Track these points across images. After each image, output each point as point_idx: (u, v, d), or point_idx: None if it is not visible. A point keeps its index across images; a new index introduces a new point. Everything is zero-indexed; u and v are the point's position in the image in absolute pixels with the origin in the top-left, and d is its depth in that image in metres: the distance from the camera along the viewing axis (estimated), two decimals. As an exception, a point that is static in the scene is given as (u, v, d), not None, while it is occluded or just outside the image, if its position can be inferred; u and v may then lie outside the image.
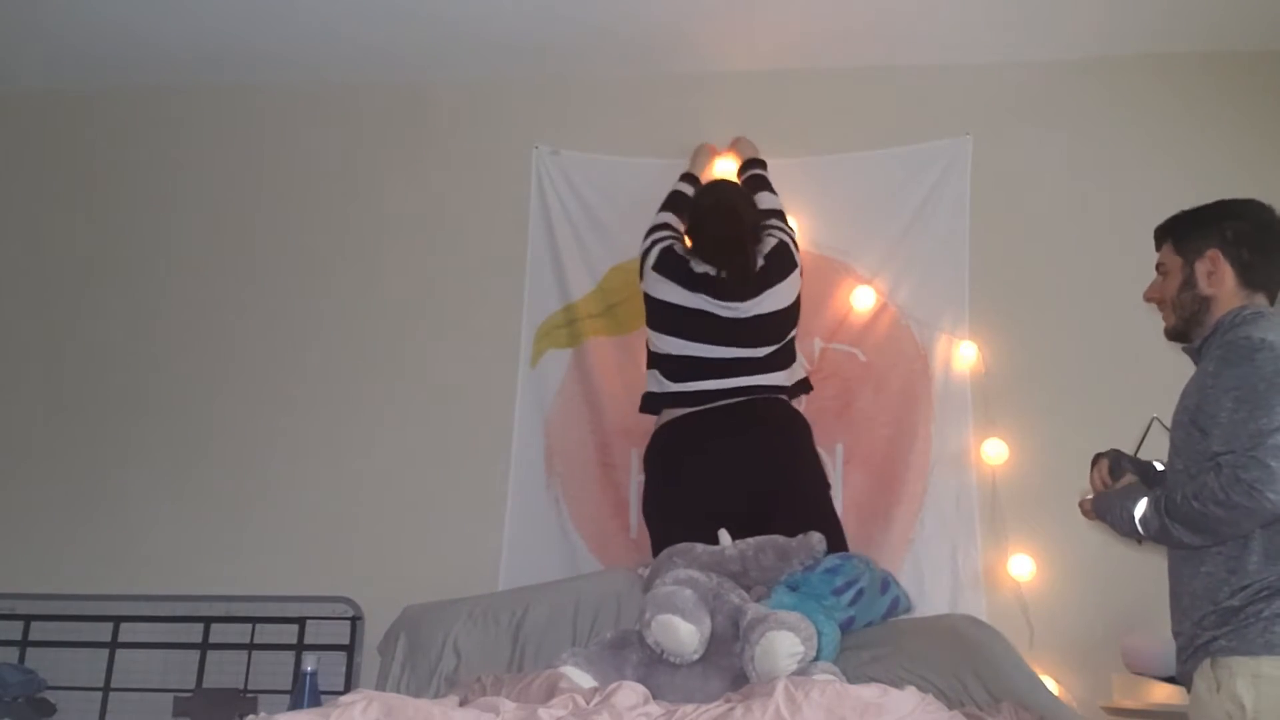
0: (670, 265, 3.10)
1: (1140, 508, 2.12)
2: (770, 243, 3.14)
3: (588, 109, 3.81)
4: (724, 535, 2.68)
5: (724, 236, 3.08)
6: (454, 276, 3.71)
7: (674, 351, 3.05)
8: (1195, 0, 3.38)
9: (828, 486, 3.12)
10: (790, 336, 3.13)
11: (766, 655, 2.16)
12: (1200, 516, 1.99)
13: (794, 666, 2.14)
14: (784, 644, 2.17)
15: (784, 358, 3.10)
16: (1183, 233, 2.25)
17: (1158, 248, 2.31)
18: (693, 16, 3.51)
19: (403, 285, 3.73)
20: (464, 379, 3.62)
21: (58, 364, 3.80)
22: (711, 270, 3.05)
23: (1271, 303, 2.19)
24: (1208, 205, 2.24)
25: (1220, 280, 2.17)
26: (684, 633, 2.24)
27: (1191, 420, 2.08)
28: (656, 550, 2.86)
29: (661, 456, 3.04)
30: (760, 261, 3.08)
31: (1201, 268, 2.19)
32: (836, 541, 2.82)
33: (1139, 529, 2.12)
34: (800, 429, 3.09)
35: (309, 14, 3.51)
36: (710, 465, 2.93)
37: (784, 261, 3.12)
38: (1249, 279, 2.17)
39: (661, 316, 3.09)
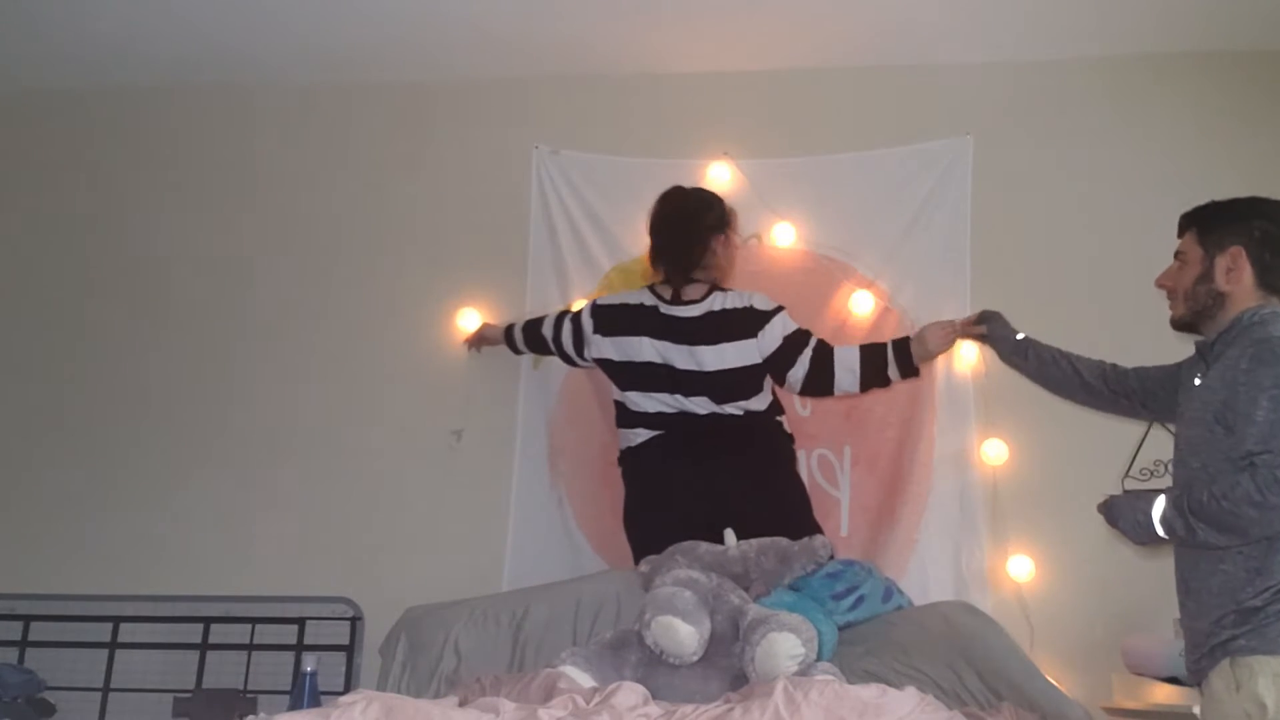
0: (610, 317, 2.99)
1: (1158, 508, 2.05)
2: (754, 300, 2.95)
3: (588, 109, 3.81)
4: (729, 535, 2.67)
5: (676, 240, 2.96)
6: (455, 276, 3.71)
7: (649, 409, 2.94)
8: (1195, 0, 3.38)
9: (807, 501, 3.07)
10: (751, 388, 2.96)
11: (767, 656, 2.16)
12: (1230, 516, 1.94)
13: (794, 668, 2.13)
14: (785, 645, 2.16)
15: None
16: (1209, 224, 2.21)
17: (1180, 234, 2.27)
18: (693, 16, 3.50)
19: (403, 285, 3.73)
20: (466, 378, 3.62)
21: (57, 364, 3.79)
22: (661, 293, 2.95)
23: None
24: (1240, 200, 2.20)
25: (1238, 278, 2.14)
26: (683, 634, 2.23)
27: (1216, 418, 2.05)
28: (638, 558, 2.85)
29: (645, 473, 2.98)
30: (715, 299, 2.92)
31: (1222, 263, 2.16)
32: None
33: (1158, 529, 2.06)
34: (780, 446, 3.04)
35: (308, 14, 3.51)
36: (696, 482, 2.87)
37: (745, 323, 2.90)
38: (1267, 281, 2.14)
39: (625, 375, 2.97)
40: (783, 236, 3.59)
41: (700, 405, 2.89)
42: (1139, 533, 2.11)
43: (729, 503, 2.82)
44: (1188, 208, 2.28)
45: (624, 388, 2.99)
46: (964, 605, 2.83)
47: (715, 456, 2.86)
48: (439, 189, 3.79)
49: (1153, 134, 3.60)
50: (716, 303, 2.92)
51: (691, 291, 2.94)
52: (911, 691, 1.82)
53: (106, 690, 3.35)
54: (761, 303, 2.94)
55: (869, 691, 1.71)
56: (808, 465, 3.42)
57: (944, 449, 3.39)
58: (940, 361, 3.45)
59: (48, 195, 3.96)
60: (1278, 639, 1.93)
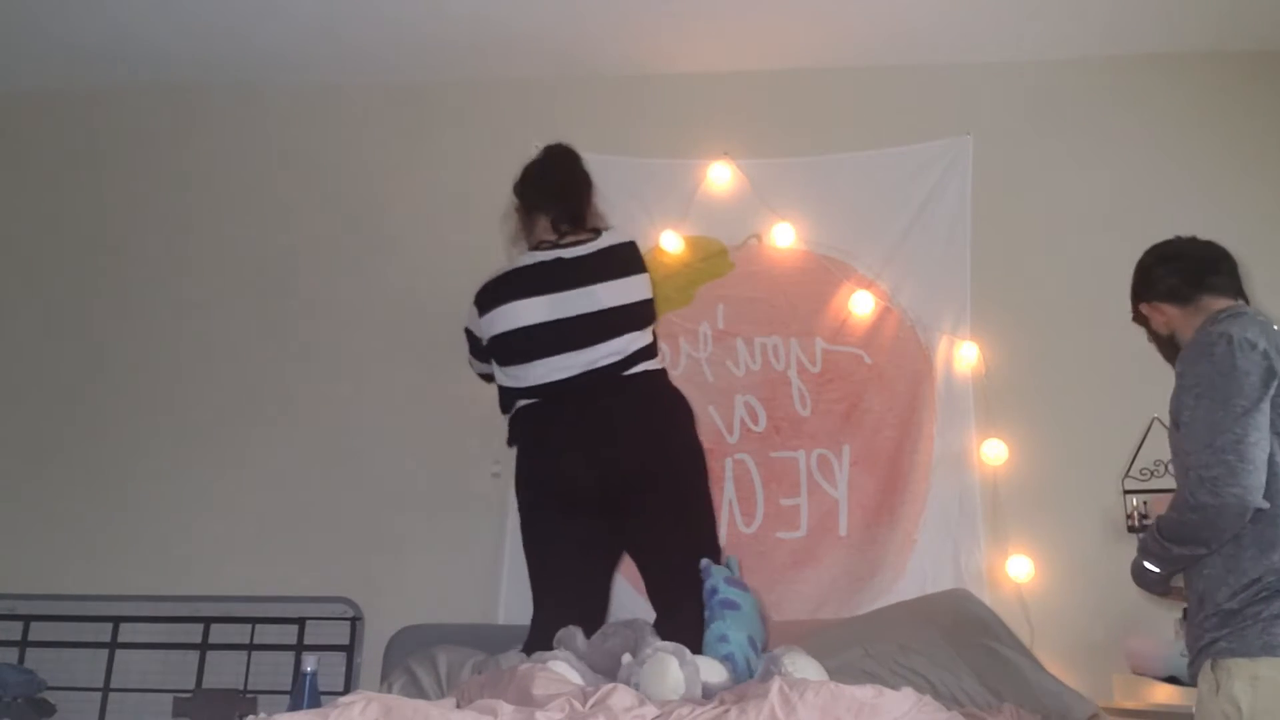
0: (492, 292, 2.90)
1: (1140, 538, 2.16)
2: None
3: (588, 109, 3.81)
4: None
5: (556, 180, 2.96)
6: (455, 276, 3.70)
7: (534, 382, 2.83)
8: (1196, 0, 3.38)
9: None
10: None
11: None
12: (1179, 526, 2.03)
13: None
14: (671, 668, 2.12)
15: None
16: (1132, 299, 2.44)
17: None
18: (694, 16, 3.51)
19: (404, 285, 3.73)
20: (465, 379, 3.61)
21: (58, 364, 3.80)
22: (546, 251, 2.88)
23: (1235, 296, 2.23)
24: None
25: (1169, 320, 2.31)
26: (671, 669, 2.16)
27: (1173, 420, 2.13)
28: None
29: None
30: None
31: (1152, 320, 2.36)
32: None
33: (1142, 559, 2.18)
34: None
35: (309, 14, 3.51)
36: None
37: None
38: (1181, 296, 2.28)
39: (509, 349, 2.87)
40: (783, 236, 3.59)
41: (587, 359, 2.77)
42: (1142, 576, 2.24)
43: (618, 468, 2.71)
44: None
45: (504, 362, 2.88)
46: (963, 595, 2.82)
47: (604, 416, 2.75)
48: (439, 189, 3.79)
49: (1153, 134, 3.60)
50: (605, 240, 2.91)
51: (581, 234, 2.92)
52: (908, 692, 1.82)
53: (106, 690, 3.35)
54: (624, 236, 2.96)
55: (865, 692, 1.71)
56: (807, 464, 3.42)
57: (943, 449, 3.39)
58: (940, 362, 3.45)
59: (46, 193, 3.96)
60: (1255, 641, 1.96)
